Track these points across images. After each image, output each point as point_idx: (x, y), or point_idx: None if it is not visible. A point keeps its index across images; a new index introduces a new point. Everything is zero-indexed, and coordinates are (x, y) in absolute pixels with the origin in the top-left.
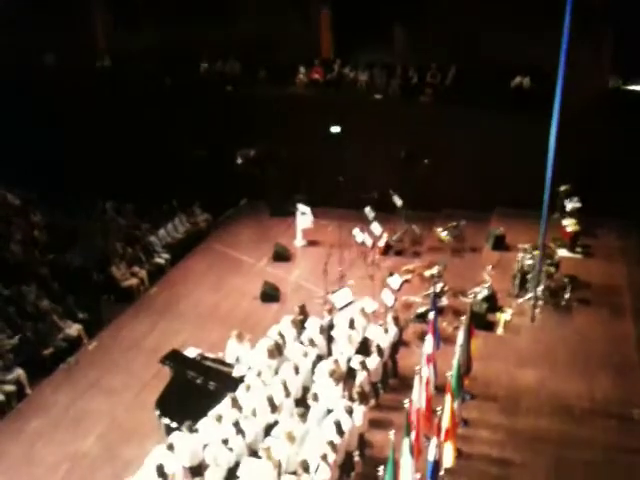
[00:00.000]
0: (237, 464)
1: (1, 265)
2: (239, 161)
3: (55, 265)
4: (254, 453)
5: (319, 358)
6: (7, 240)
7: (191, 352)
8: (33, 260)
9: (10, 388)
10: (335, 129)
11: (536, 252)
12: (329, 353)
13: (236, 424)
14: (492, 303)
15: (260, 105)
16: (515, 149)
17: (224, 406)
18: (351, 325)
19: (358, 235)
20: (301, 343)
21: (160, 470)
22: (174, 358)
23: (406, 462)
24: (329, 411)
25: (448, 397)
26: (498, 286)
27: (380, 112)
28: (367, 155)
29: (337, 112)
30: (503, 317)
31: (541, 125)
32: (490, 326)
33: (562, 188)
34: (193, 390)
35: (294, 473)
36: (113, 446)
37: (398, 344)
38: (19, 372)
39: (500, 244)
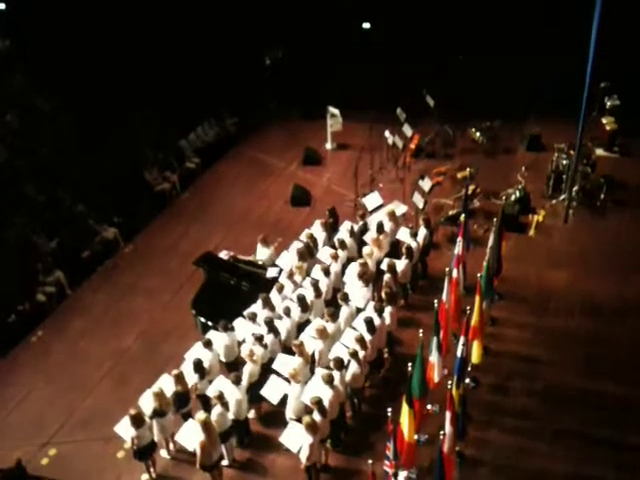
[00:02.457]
0: (271, 360)
1: (34, 170)
2: (267, 62)
3: (88, 170)
4: (287, 350)
5: (349, 260)
6: (38, 144)
7: (224, 254)
8: (67, 164)
9: (50, 289)
10: (366, 25)
11: (572, 152)
12: (359, 256)
13: (270, 323)
14: (525, 205)
15: (288, 1)
16: (555, 44)
17: (257, 306)
18: (380, 228)
19: (389, 137)
20: (332, 246)
21: (198, 365)
22: (207, 260)
23: (434, 359)
24: (359, 311)
25: (477, 297)
26: (531, 187)
27: (413, 4)
28: (398, 52)
29: (368, 6)
30: (535, 218)
31: (583, 18)
32: (522, 228)
33: (602, 85)
34: (227, 291)
35: (327, 368)
36: (153, 344)
37: (428, 246)
38: (59, 274)
39: (535, 144)
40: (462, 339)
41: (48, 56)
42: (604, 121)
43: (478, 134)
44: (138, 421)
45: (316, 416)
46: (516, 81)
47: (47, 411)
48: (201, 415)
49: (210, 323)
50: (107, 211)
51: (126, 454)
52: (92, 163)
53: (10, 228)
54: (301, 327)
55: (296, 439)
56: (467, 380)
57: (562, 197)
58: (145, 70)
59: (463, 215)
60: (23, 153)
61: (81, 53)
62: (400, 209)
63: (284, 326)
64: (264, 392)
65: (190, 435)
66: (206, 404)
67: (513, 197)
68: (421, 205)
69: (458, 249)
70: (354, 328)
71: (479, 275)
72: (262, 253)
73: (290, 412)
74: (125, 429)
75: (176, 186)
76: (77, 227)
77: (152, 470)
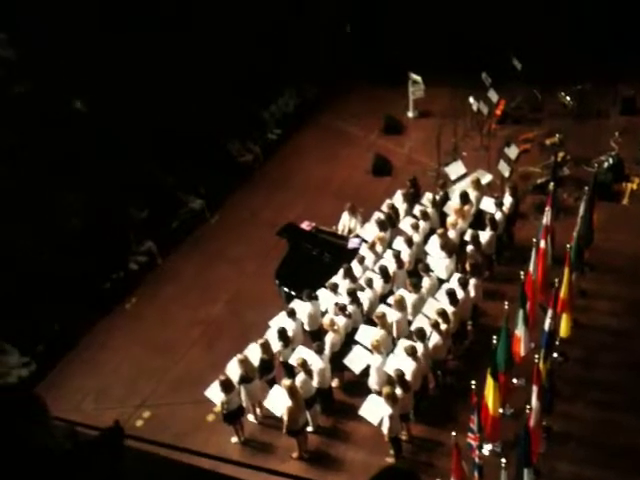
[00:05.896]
0: (354, 330)
1: (125, 142)
2: (348, 30)
3: (176, 143)
4: (370, 321)
5: (431, 231)
6: (129, 118)
7: (306, 225)
8: (155, 137)
9: (143, 259)
10: None
11: None
12: (441, 226)
13: (352, 293)
14: (618, 172)
15: None
16: None
17: (339, 277)
18: (465, 198)
19: (473, 103)
20: (413, 216)
21: (282, 333)
22: (290, 231)
23: (520, 332)
24: (441, 282)
25: (566, 269)
26: (625, 154)
27: None
28: (483, 10)
29: None
30: (630, 187)
31: None
32: (615, 196)
33: None
34: (309, 261)
35: (408, 339)
36: (239, 311)
37: (514, 216)
38: (150, 244)
39: (629, 107)
40: (550, 312)
41: (136, 30)
42: None
43: (568, 98)
44: (227, 386)
45: (398, 390)
46: (607, 41)
47: (141, 374)
48: (286, 381)
49: (293, 293)
50: (194, 183)
51: (216, 417)
52: (178, 135)
53: (104, 197)
54: (383, 298)
55: (376, 412)
56: (555, 354)
57: None
58: (226, 44)
59: (552, 183)
60: (114, 126)
61: (170, 23)
62: (485, 178)
63: (366, 297)
64: (347, 361)
65: (278, 401)
66: (290, 371)
67: (606, 164)
68: (507, 173)
69: (546, 219)
70: (436, 299)
71: (568, 246)
72: (348, 222)
73: (373, 383)
74: (215, 393)
75: (258, 157)
76: (166, 198)
77: (240, 434)
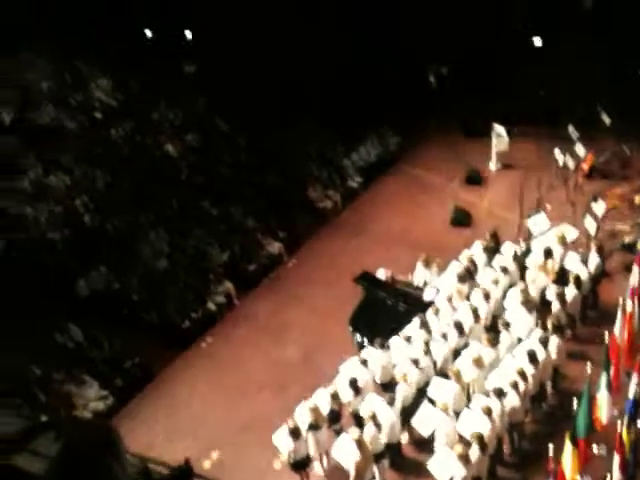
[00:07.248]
0: (426, 384)
1: (211, 186)
2: (431, 79)
3: (258, 187)
4: (443, 374)
5: (510, 286)
6: (216, 162)
7: (381, 273)
8: (239, 181)
9: (220, 299)
10: (537, 42)
11: None
12: (522, 280)
13: (426, 345)
14: None
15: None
16: None
17: (413, 327)
18: (548, 254)
19: (559, 156)
20: (492, 269)
21: (353, 383)
22: (366, 279)
23: (603, 397)
24: (520, 339)
25: None
26: None
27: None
28: (572, 66)
29: (540, 20)
30: None
31: None
32: None
33: None
34: (384, 310)
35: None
36: (311, 355)
37: (600, 275)
38: (228, 285)
39: None
40: (636, 378)
41: (227, 80)
42: None
43: None
44: (295, 433)
45: (475, 451)
46: None
47: (212, 413)
48: (355, 433)
49: (366, 341)
50: (273, 226)
51: (282, 464)
52: (261, 180)
53: (188, 239)
54: (458, 352)
55: (446, 468)
56: None
57: None
58: (311, 92)
59: None
60: (202, 170)
61: (255, 76)
62: (571, 233)
63: (440, 351)
64: (415, 423)
65: (345, 452)
66: (359, 421)
67: None
68: (593, 230)
69: (634, 279)
70: (515, 358)
71: None
72: (422, 274)
73: (440, 444)
74: (283, 440)
75: (337, 204)
76: (247, 241)
77: None
